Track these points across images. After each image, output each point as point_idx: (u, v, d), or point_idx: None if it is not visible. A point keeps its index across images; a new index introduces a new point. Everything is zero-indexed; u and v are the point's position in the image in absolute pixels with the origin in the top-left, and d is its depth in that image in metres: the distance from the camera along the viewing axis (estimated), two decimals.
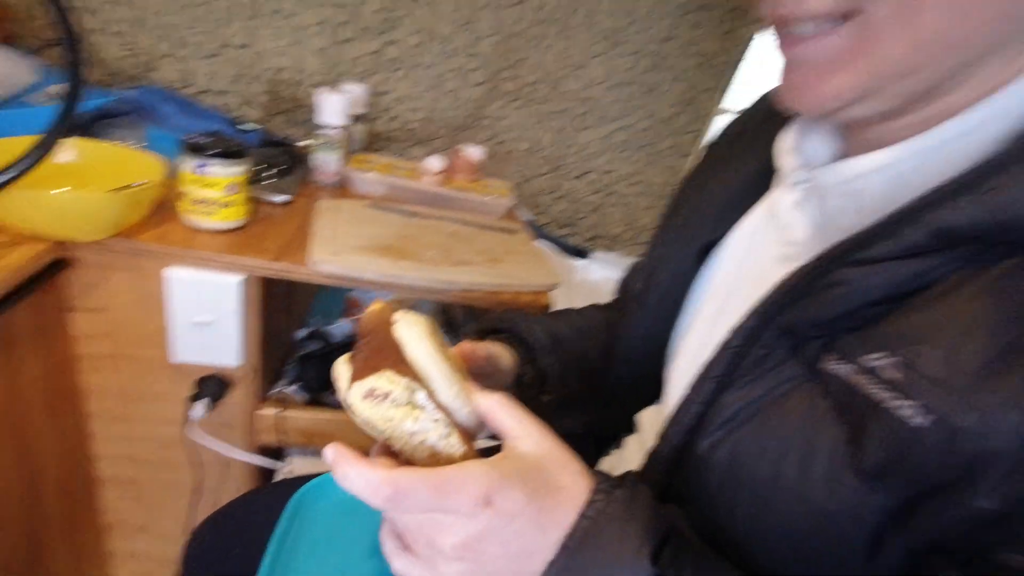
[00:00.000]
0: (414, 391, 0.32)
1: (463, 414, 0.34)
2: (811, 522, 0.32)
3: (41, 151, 0.62)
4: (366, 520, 0.58)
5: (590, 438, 0.67)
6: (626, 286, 0.67)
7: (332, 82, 1.21)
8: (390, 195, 1.12)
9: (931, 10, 0.28)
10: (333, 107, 1.06)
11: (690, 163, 1.40)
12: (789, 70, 0.35)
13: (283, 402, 0.98)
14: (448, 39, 1.22)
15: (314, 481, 0.61)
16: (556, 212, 1.46)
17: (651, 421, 0.50)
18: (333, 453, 0.31)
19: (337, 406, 1.00)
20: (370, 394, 0.32)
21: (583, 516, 0.32)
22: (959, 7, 0.28)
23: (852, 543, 0.31)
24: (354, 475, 0.30)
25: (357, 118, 1.20)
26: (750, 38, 1.21)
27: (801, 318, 0.34)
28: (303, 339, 1.12)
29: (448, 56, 1.24)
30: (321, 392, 1.03)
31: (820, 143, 0.41)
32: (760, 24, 1.21)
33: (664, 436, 0.42)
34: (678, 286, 0.51)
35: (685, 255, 0.50)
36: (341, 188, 1.13)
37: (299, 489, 0.60)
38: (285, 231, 0.89)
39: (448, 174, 1.18)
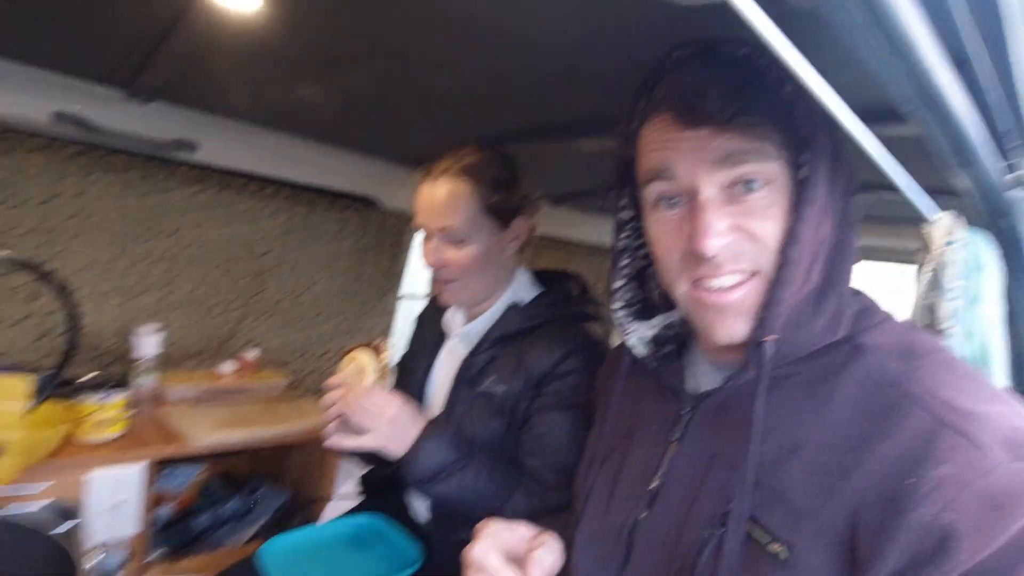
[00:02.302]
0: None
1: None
2: (501, 444, 1.05)
3: None
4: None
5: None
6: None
7: (129, 328, 1.60)
8: (201, 396, 1.56)
9: (477, 280, 1.11)
10: (148, 344, 1.49)
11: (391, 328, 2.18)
12: (437, 293, 1.14)
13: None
14: (215, 283, 1.77)
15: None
16: (310, 382, 2.03)
17: None
18: None
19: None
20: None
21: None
22: (483, 284, 1.11)
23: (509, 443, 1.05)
24: None
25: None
26: (406, 262, 2.11)
27: (468, 373, 1.10)
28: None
29: (214, 294, 1.77)
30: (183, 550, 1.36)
31: (458, 315, 1.21)
32: (407, 256, 2.12)
33: None
34: (424, 385, 1.23)
35: (420, 372, 1.23)
36: (156, 400, 1.51)
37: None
38: (151, 431, 1.29)
39: (240, 373, 1.68)
